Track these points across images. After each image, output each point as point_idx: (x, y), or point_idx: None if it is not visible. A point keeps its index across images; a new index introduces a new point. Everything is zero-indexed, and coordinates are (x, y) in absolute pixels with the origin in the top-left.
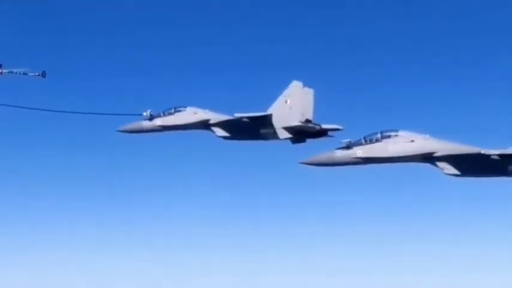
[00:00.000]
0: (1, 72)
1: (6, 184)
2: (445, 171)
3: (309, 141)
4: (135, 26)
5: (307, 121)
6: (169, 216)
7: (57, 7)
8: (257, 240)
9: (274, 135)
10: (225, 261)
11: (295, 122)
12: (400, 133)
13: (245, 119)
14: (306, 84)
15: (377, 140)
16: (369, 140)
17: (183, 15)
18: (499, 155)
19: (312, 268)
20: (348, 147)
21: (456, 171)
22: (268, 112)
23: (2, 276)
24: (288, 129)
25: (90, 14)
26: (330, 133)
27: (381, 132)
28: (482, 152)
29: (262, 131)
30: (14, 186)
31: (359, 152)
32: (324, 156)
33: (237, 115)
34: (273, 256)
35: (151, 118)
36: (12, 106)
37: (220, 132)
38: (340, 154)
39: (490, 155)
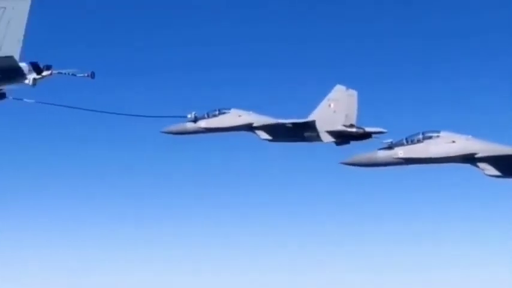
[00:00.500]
0: (51, 73)
1: (52, 180)
2: (486, 172)
3: (353, 142)
4: (180, 25)
5: (351, 125)
6: (216, 216)
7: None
8: (306, 239)
9: (317, 138)
10: (267, 260)
11: (339, 126)
12: (442, 134)
13: (289, 124)
14: (348, 84)
15: (418, 141)
16: (411, 141)
17: (225, 14)
18: None
19: (360, 266)
20: (390, 147)
21: (497, 172)
22: (311, 117)
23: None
24: (331, 133)
25: (138, 14)
26: (373, 135)
27: (423, 133)
28: None
29: (306, 134)
30: (60, 182)
31: (400, 152)
32: (365, 156)
33: (281, 121)
34: (316, 253)
35: (195, 120)
36: (59, 105)
37: (263, 135)
38: (382, 154)
39: None
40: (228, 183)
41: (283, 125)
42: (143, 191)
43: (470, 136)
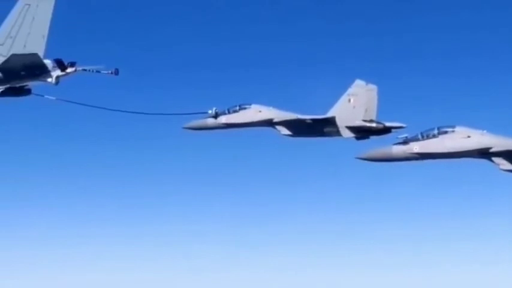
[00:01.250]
0: (75, 70)
1: (72, 180)
2: (501, 166)
3: (372, 137)
4: (201, 22)
5: (371, 121)
6: (235, 214)
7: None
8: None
9: (337, 133)
10: (287, 258)
11: (359, 122)
12: (457, 129)
13: (309, 120)
14: (368, 79)
15: (434, 136)
16: (426, 136)
17: (245, 12)
18: None
19: (375, 264)
20: (405, 142)
21: None
22: (331, 113)
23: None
24: (351, 128)
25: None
26: (393, 130)
27: (438, 128)
28: None
29: (326, 130)
30: (80, 183)
31: (415, 147)
32: (380, 151)
33: (301, 117)
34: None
35: (216, 116)
36: (80, 104)
37: (284, 130)
38: (397, 149)
39: None
40: (247, 178)
41: (303, 121)
42: (163, 188)
43: (485, 131)
